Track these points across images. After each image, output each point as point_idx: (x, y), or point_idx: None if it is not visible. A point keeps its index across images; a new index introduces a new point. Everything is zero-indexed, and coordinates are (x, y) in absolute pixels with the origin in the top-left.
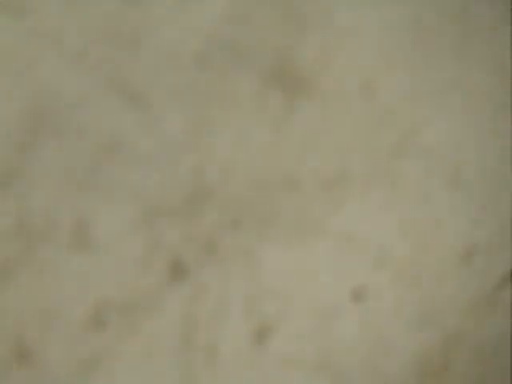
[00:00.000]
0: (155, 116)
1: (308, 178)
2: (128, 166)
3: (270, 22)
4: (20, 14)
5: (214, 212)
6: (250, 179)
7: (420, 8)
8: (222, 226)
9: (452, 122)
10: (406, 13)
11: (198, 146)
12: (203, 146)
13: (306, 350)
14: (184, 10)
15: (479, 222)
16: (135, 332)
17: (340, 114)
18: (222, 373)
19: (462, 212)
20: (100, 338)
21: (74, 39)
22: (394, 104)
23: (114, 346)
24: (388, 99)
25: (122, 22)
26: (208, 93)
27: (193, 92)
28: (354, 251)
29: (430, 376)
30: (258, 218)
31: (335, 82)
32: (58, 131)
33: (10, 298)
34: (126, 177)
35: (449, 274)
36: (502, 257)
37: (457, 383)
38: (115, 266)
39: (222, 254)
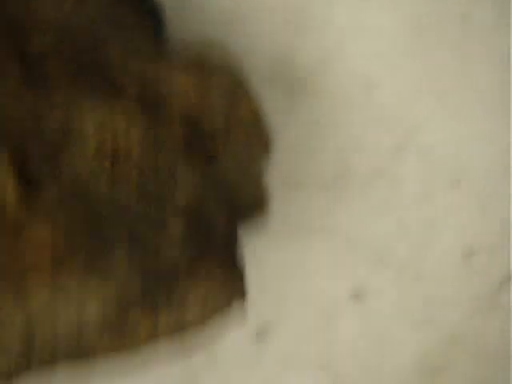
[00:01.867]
0: None
1: (308, 177)
2: None
3: (270, 22)
4: None
5: None
6: None
7: (420, 8)
8: None
9: (452, 122)
10: (406, 13)
11: None
12: None
13: (306, 349)
14: None
15: (479, 222)
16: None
17: (340, 114)
18: (222, 373)
19: (462, 212)
20: None
21: None
22: (395, 104)
23: None
24: (388, 99)
25: None
26: None
27: None
28: (353, 251)
29: (429, 375)
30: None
31: (335, 83)
32: None
33: None
34: None
35: (449, 274)
36: (502, 257)
37: (457, 383)
38: None
39: None
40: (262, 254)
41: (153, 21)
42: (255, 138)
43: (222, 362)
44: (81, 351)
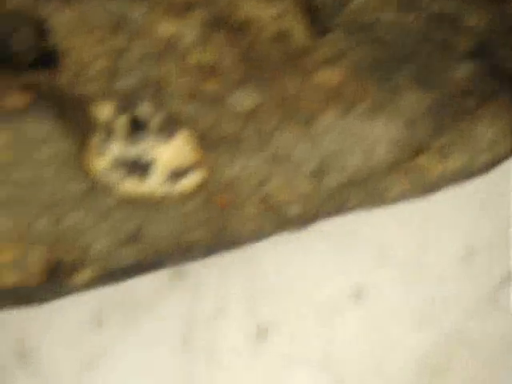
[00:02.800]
0: None
1: None
2: None
3: None
4: None
5: None
6: None
7: None
8: None
9: None
10: None
11: None
12: None
13: (307, 349)
14: None
15: (479, 222)
16: (135, 332)
17: None
18: (221, 373)
19: (462, 212)
20: (100, 338)
21: None
22: None
23: (113, 345)
24: None
25: None
26: None
27: None
28: (354, 250)
29: (430, 375)
30: None
31: None
32: None
33: None
34: None
35: (449, 274)
36: (502, 257)
37: (457, 383)
38: None
39: (222, 254)
40: (262, 254)
41: None
42: None
43: (222, 361)
44: (371, 197)
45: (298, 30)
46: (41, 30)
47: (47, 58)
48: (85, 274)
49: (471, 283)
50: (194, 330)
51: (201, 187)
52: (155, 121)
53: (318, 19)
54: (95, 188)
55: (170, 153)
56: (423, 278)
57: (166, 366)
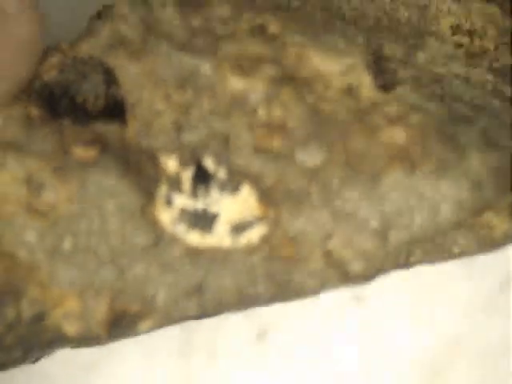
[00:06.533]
0: None
1: None
2: None
3: None
4: None
5: None
6: None
7: None
8: None
9: None
10: None
11: None
12: None
13: (307, 350)
14: None
15: None
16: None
17: None
18: (222, 373)
19: None
20: None
21: None
22: None
23: (113, 347)
24: None
25: None
26: None
27: None
28: None
29: (430, 376)
30: None
31: None
32: None
33: None
34: None
35: (448, 274)
36: (502, 257)
37: (457, 383)
38: None
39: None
40: None
41: None
42: None
43: (222, 362)
44: (436, 252)
45: (365, 85)
46: (109, 79)
47: (115, 109)
48: (147, 324)
49: (471, 283)
50: (193, 332)
51: (264, 241)
52: (220, 174)
53: (385, 73)
54: (160, 240)
55: (234, 206)
56: (423, 278)
57: (165, 367)
